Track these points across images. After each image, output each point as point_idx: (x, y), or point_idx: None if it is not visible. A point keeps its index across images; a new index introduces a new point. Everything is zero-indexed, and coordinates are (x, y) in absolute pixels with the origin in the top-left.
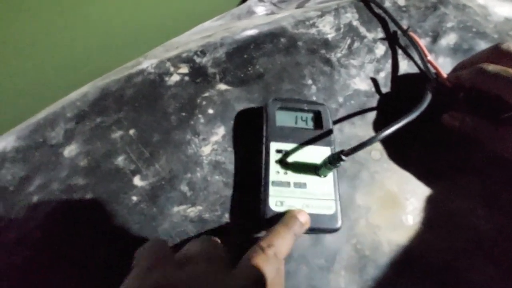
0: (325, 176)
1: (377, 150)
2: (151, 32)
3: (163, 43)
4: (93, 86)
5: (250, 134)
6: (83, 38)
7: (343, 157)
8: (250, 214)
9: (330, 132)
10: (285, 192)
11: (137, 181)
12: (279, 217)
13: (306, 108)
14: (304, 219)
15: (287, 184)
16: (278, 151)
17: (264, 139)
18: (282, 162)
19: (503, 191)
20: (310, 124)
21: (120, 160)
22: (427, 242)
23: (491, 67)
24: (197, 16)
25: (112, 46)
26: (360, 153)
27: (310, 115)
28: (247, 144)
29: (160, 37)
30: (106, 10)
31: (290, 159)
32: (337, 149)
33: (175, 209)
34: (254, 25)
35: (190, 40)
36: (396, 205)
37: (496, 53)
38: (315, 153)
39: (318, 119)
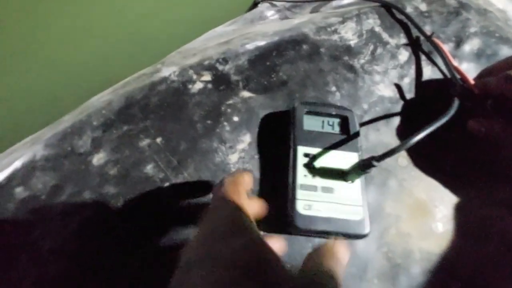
0: (352, 181)
1: (404, 157)
2: (163, 38)
3: (175, 49)
4: (116, 94)
5: (276, 138)
6: (97, 44)
7: (375, 163)
8: (278, 218)
9: (357, 137)
10: (312, 196)
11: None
12: (306, 220)
13: (333, 113)
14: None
15: (315, 188)
16: (306, 155)
17: (291, 143)
18: (310, 166)
19: None
20: (337, 129)
21: (149, 168)
22: (457, 250)
23: None
24: (208, 22)
25: (125, 52)
26: (387, 160)
27: (337, 120)
28: (273, 148)
29: (172, 43)
30: (118, 17)
31: (318, 163)
32: (364, 156)
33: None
34: (274, 32)
35: (206, 46)
36: (425, 213)
37: None
38: (342, 158)
39: (345, 124)
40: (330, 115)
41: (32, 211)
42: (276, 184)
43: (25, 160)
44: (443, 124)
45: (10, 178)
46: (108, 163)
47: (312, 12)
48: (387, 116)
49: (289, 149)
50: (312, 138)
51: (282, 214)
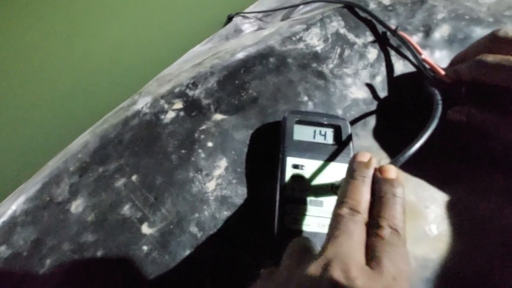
0: None
1: (386, 159)
2: (142, 66)
3: (155, 75)
4: (93, 134)
5: (264, 149)
6: (76, 79)
7: None
8: (264, 233)
9: (350, 148)
10: (301, 210)
11: (145, 229)
12: (293, 235)
13: (325, 122)
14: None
15: (303, 201)
16: (295, 166)
17: (280, 154)
18: (299, 178)
19: None
20: (329, 139)
21: (126, 209)
22: (456, 252)
23: (491, 58)
24: (185, 42)
25: (105, 85)
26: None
27: (330, 130)
28: (256, 163)
29: (153, 69)
30: (96, 50)
31: (307, 175)
32: None
33: (187, 252)
34: (242, 47)
35: (181, 70)
36: (416, 215)
37: (494, 42)
38: (334, 170)
39: (337, 134)
40: (322, 125)
41: (15, 270)
42: (264, 197)
43: (6, 217)
44: (434, 130)
45: None
46: (85, 209)
47: (282, 19)
48: (362, 117)
49: (277, 160)
50: (302, 149)
51: (270, 231)
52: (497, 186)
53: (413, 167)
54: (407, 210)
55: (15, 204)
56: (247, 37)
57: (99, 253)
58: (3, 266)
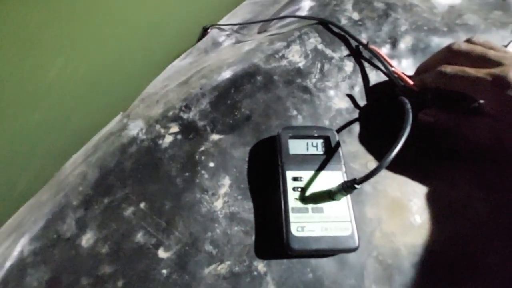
0: (339, 200)
1: (372, 161)
2: (120, 84)
3: (135, 92)
4: (89, 164)
5: (263, 163)
6: (51, 102)
7: (357, 186)
8: (274, 242)
9: (340, 156)
10: (304, 218)
11: (162, 253)
12: (301, 242)
13: (315, 134)
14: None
15: (306, 209)
16: (294, 179)
17: (280, 169)
18: (299, 189)
19: (490, 171)
20: (321, 150)
21: (139, 236)
22: (438, 236)
23: (449, 69)
24: (162, 57)
25: (84, 107)
26: (358, 168)
27: (320, 141)
28: (261, 174)
29: (132, 86)
30: (70, 68)
31: (306, 185)
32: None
33: (206, 270)
34: (227, 65)
35: (167, 89)
36: (402, 209)
37: (450, 54)
38: (328, 178)
39: (327, 144)
40: (313, 137)
41: None
42: (270, 209)
43: (14, 259)
44: (408, 134)
45: (4, 283)
46: (97, 242)
47: (259, 32)
48: (347, 126)
49: (278, 174)
50: (298, 162)
51: (278, 238)
52: (467, 176)
53: (395, 167)
54: (393, 205)
55: (20, 245)
56: (227, 51)
57: (119, 283)
58: None
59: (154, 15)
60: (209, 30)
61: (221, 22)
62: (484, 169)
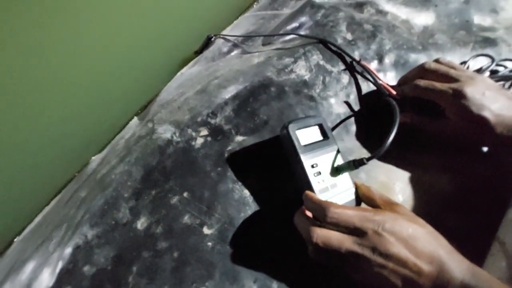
0: (343, 174)
1: (365, 154)
2: (132, 91)
3: (146, 98)
4: (129, 164)
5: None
6: (64, 107)
7: (365, 162)
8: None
9: (333, 136)
10: (328, 195)
11: (206, 230)
12: None
13: (313, 123)
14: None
15: (327, 189)
16: (312, 166)
17: (299, 159)
18: (317, 173)
19: (454, 158)
20: (320, 135)
21: (186, 218)
22: (414, 210)
23: (422, 83)
24: (171, 65)
25: (101, 106)
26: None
27: (317, 128)
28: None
29: (141, 94)
30: (79, 76)
31: (320, 169)
32: (340, 154)
33: (241, 242)
34: (242, 76)
35: (186, 96)
36: (388, 190)
37: (423, 71)
38: (332, 157)
39: (322, 129)
40: (311, 126)
41: (104, 283)
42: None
43: (80, 242)
44: (398, 126)
45: (74, 261)
46: (151, 224)
47: (263, 44)
48: (341, 122)
49: (297, 164)
50: (310, 150)
51: None
52: (434, 163)
53: (383, 158)
54: (381, 187)
55: (81, 232)
56: (236, 61)
57: (175, 254)
58: (92, 282)
59: (159, 23)
60: (212, 39)
61: (224, 32)
62: (448, 157)
